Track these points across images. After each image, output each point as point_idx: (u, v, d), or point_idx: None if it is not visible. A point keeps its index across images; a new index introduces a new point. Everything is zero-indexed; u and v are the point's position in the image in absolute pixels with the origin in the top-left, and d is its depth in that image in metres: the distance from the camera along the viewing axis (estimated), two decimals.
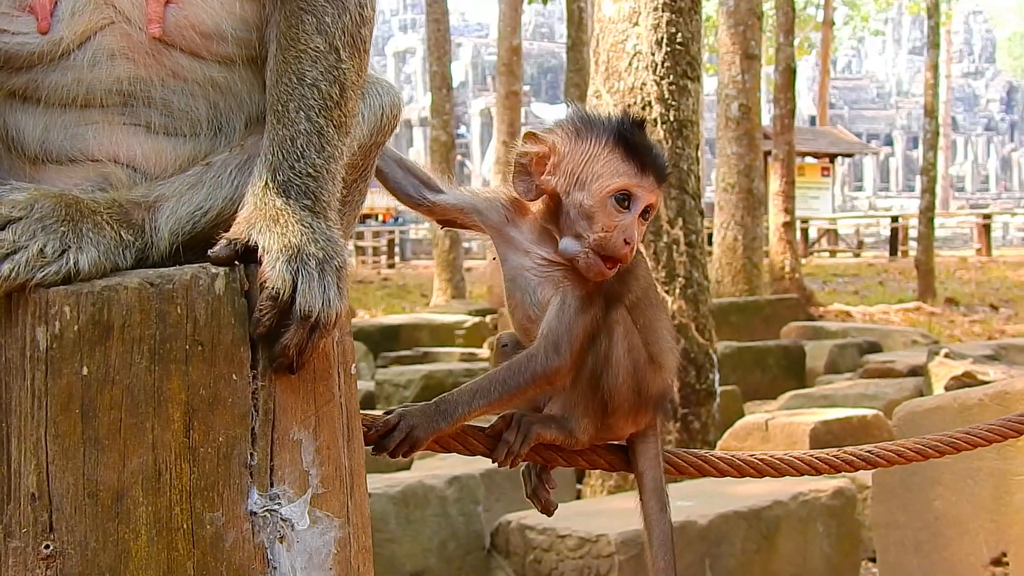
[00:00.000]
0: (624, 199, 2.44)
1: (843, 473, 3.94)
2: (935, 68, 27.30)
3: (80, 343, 1.83)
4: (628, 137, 2.48)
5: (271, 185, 2.04)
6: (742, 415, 10.62)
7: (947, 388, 9.98)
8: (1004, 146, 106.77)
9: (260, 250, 1.95)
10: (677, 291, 9.25)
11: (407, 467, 8.33)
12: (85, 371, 1.83)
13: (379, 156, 2.56)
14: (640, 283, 2.56)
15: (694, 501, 6.52)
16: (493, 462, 2.55)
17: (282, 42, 2.13)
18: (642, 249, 2.58)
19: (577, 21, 24.57)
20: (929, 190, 27.05)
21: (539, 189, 2.50)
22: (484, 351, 15.12)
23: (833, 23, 51.33)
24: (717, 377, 9.55)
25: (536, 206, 2.54)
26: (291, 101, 2.09)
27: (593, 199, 2.45)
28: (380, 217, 51.76)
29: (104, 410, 1.83)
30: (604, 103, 9.37)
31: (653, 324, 2.56)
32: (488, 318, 19.24)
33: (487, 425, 2.57)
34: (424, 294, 28.22)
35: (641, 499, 2.67)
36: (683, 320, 9.22)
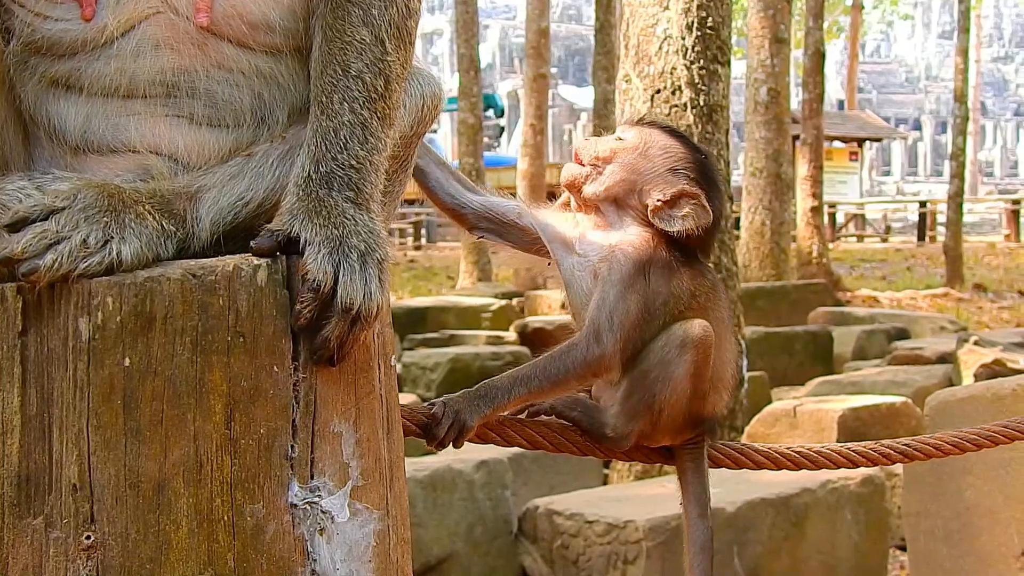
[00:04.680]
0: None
1: None
2: (965, 52, 27.19)
3: (122, 334, 1.83)
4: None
5: (314, 176, 2.04)
6: (770, 401, 10.60)
7: (976, 376, 9.96)
8: None
9: (302, 242, 1.95)
10: None
11: (434, 451, 8.29)
12: (127, 362, 1.82)
13: (420, 156, 2.57)
14: (696, 292, 2.56)
15: (722, 488, 6.50)
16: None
17: (328, 33, 2.12)
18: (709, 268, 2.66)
19: (606, 3, 24.51)
20: (958, 175, 26.96)
21: None
22: (511, 334, 15.12)
23: (862, 7, 51.09)
24: (745, 363, 9.53)
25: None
26: (335, 92, 2.08)
27: None
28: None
29: (146, 401, 1.83)
30: (634, 87, 9.35)
31: (719, 342, 2.57)
32: (515, 301, 19.25)
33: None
34: (450, 276, 28.21)
35: (683, 501, 2.69)
36: None
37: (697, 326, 2.49)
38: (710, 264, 2.72)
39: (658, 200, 2.52)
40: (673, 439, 2.63)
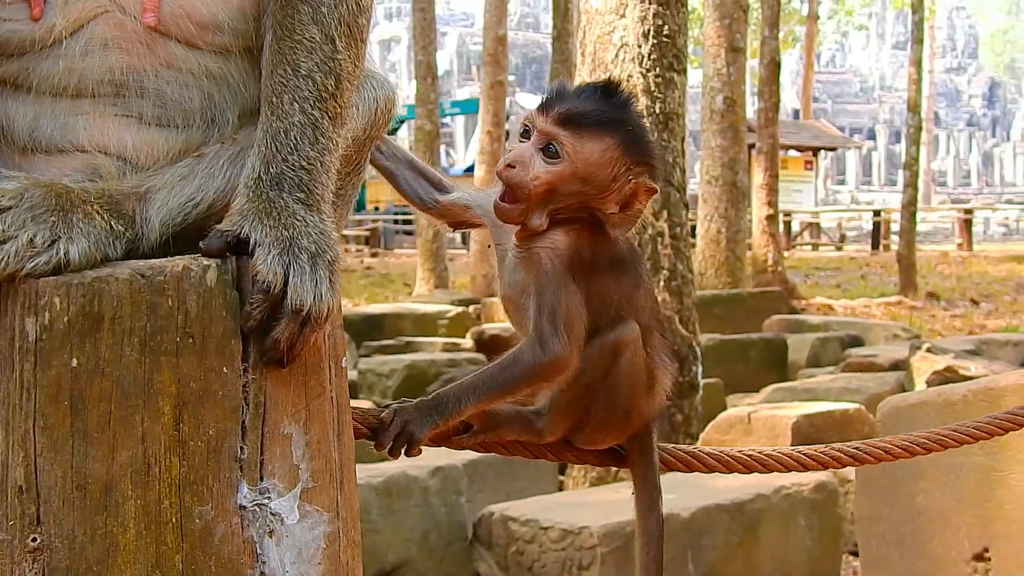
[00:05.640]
0: (525, 131, 2.46)
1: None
2: (918, 63, 27.39)
3: (70, 334, 1.81)
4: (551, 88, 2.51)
5: (264, 178, 2.02)
6: (724, 408, 10.62)
7: (929, 383, 10.03)
8: (986, 141, 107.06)
9: (252, 242, 1.94)
10: (661, 283, 9.25)
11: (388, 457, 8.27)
12: (75, 363, 1.81)
13: (390, 158, 2.57)
14: (609, 294, 2.51)
15: (676, 494, 6.52)
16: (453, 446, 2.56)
17: (277, 32, 2.11)
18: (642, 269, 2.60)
19: (563, 11, 24.54)
20: (911, 184, 27.16)
21: None
22: (467, 341, 15.10)
23: (818, 17, 51.45)
24: (700, 370, 9.56)
25: None
26: (285, 93, 2.07)
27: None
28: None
29: (93, 402, 1.82)
30: None
31: (646, 338, 2.55)
32: (471, 308, 19.23)
33: None
34: (407, 283, 28.17)
35: (635, 494, 2.69)
36: (667, 312, 9.21)
37: (628, 330, 2.47)
38: (635, 247, 2.66)
39: (612, 212, 2.46)
40: (618, 439, 2.63)
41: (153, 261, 1.90)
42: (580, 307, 2.41)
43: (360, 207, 49.81)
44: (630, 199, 2.46)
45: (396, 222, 49.06)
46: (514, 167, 2.41)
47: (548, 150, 2.42)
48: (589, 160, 2.42)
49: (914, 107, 27.12)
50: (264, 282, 1.90)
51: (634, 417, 2.58)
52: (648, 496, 2.68)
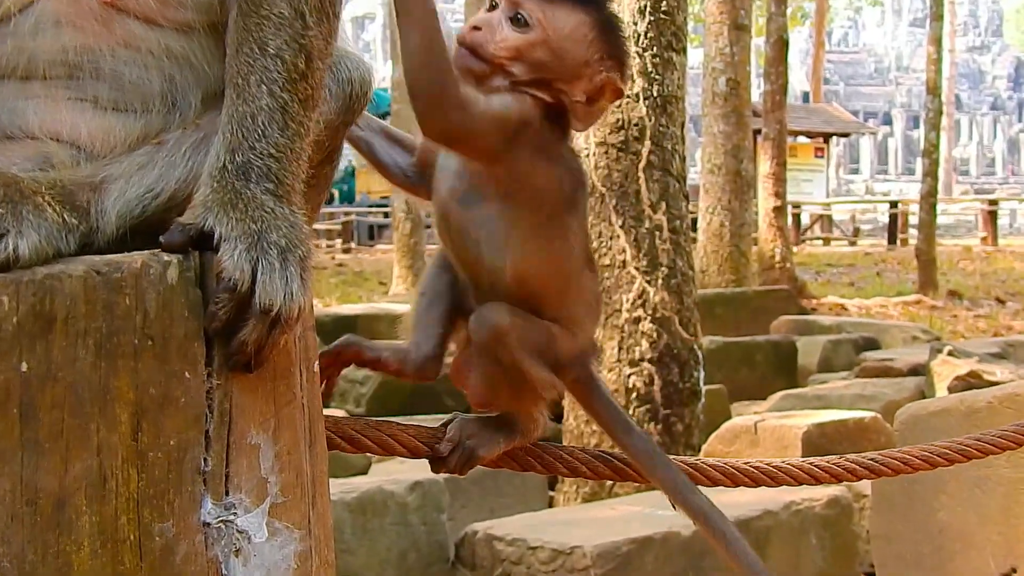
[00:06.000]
0: (492, 6, 2.46)
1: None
2: (938, 42, 27.42)
3: (19, 336, 1.81)
4: None
5: (229, 166, 2.02)
6: (729, 416, 10.64)
7: (951, 389, 10.05)
8: (1011, 126, 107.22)
9: (216, 237, 1.93)
10: (660, 281, 9.25)
11: (365, 471, 8.31)
12: (24, 367, 1.81)
13: (363, 128, 2.55)
14: (554, 193, 2.44)
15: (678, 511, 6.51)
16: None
17: (243, 7, 2.10)
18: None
19: None
20: (931, 173, 27.19)
21: None
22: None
23: None
24: (702, 375, 9.56)
25: None
26: (252, 74, 2.07)
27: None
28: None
29: (45, 410, 1.81)
30: None
31: (568, 278, 2.52)
32: None
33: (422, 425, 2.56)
34: (383, 282, 28.17)
35: (606, 430, 2.68)
36: (666, 313, 9.23)
37: (495, 312, 2.41)
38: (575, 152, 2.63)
39: (578, 100, 2.43)
40: (559, 385, 2.60)
41: (109, 257, 1.90)
42: (498, 129, 2.34)
43: (350, 199, 49.84)
44: (597, 93, 2.45)
45: (375, 215, 48.96)
46: (480, 29, 2.41)
47: (517, 18, 2.41)
48: (561, 33, 2.41)
49: (933, 89, 27.18)
50: (230, 279, 1.90)
51: (566, 360, 2.52)
52: (620, 422, 2.67)
